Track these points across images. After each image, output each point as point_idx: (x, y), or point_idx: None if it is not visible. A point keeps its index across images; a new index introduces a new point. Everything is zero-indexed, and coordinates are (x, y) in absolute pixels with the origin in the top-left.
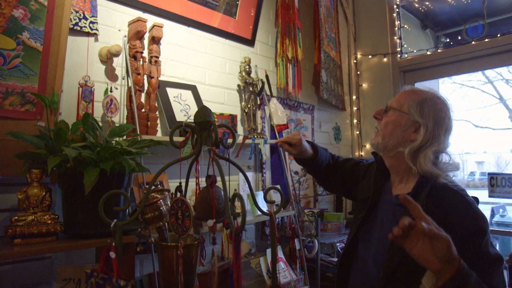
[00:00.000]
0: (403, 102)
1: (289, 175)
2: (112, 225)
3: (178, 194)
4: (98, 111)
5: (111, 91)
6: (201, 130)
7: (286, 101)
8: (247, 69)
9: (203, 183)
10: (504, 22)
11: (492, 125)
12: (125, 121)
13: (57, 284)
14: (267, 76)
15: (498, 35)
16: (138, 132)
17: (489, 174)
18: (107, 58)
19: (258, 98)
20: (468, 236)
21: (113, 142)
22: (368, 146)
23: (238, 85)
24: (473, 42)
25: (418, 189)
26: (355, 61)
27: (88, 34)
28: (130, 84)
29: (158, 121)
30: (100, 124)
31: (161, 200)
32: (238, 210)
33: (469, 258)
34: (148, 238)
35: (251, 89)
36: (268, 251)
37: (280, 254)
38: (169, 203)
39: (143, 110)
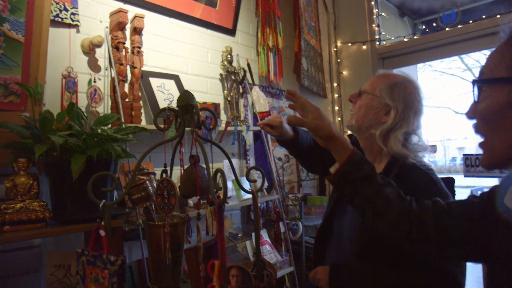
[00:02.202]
0: (375, 86)
1: (272, 161)
2: (101, 205)
3: (164, 175)
4: (82, 102)
5: (94, 82)
6: (184, 114)
7: (268, 89)
8: (229, 58)
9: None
10: (476, 9)
11: None
12: (109, 111)
13: (46, 270)
14: (248, 65)
15: (470, 22)
16: (123, 121)
17: (464, 155)
18: (90, 49)
19: (240, 86)
20: (423, 188)
21: (99, 130)
22: (349, 132)
23: (221, 74)
24: (447, 29)
25: (388, 169)
26: (335, 49)
27: (69, 26)
28: (113, 75)
29: (142, 110)
30: (85, 114)
31: (147, 182)
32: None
33: None
34: (136, 221)
35: (233, 77)
36: (254, 235)
37: (266, 237)
38: (155, 185)
39: (127, 100)
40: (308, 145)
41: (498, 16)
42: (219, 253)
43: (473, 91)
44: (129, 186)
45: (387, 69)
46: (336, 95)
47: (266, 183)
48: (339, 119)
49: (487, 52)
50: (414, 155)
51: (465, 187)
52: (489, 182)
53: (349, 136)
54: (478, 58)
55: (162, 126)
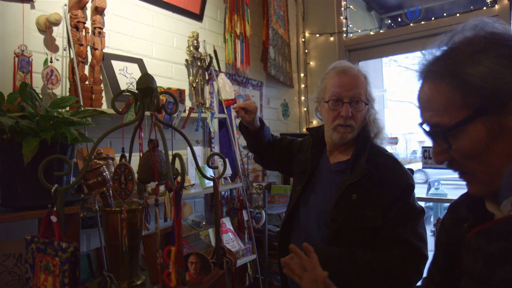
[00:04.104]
0: (362, 93)
1: (237, 150)
2: (52, 190)
3: (122, 160)
4: (37, 83)
5: (51, 62)
6: (143, 97)
7: (235, 77)
8: (195, 44)
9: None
10: (439, 7)
11: None
12: (67, 94)
13: None
14: (215, 51)
15: (433, 19)
16: (82, 104)
17: (422, 147)
18: (46, 27)
19: (206, 73)
20: (401, 192)
21: (55, 113)
22: (315, 122)
23: (186, 60)
24: (411, 24)
25: (357, 155)
26: (303, 39)
27: (22, 0)
28: (72, 56)
29: (103, 94)
30: (40, 96)
31: (103, 166)
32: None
33: (401, 210)
34: (93, 208)
35: (199, 64)
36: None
37: (229, 225)
38: (113, 170)
39: (86, 82)
40: (268, 140)
41: (458, 14)
42: (176, 239)
43: (433, 139)
44: (84, 171)
45: (342, 63)
46: (302, 85)
47: (230, 171)
48: (305, 109)
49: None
50: (382, 132)
51: (422, 182)
52: (446, 172)
53: (309, 130)
54: None
55: (120, 109)
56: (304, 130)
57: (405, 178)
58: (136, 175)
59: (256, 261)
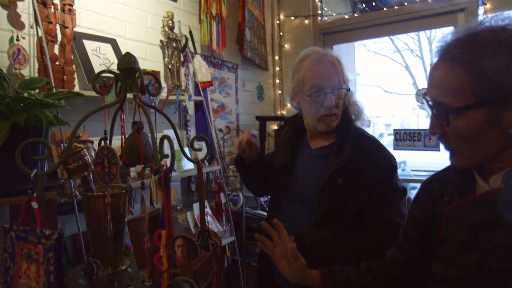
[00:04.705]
0: (341, 79)
1: (214, 132)
2: (32, 175)
3: (103, 143)
4: (3, 62)
5: (17, 40)
6: (125, 78)
7: (210, 59)
8: (170, 24)
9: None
10: None
11: (399, 91)
12: (36, 75)
13: None
14: (190, 32)
15: (405, 4)
16: (53, 85)
17: (394, 130)
18: (10, 2)
19: (181, 54)
20: (385, 173)
21: (25, 94)
22: (289, 105)
23: (161, 41)
24: (385, 9)
25: (342, 140)
26: (278, 22)
27: None
28: (40, 34)
29: (76, 76)
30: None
31: (84, 150)
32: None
33: (385, 192)
34: (71, 194)
35: (174, 45)
36: (195, 205)
37: (207, 208)
38: (93, 154)
39: (57, 63)
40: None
41: (430, 0)
42: (166, 222)
43: (433, 111)
44: (65, 154)
45: (317, 51)
46: (277, 68)
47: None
48: (279, 92)
49: (414, 36)
50: (362, 114)
51: None
52: (415, 154)
53: (287, 122)
54: (407, 41)
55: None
56: (279, 112)
57: (388, 160)
58: (119, 157)
59: (234, 243)
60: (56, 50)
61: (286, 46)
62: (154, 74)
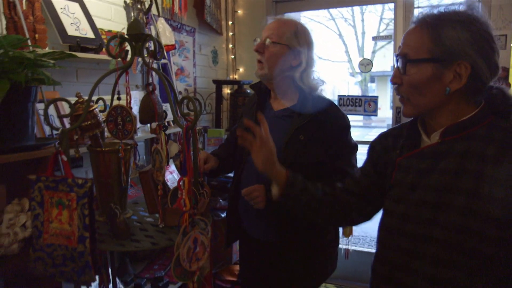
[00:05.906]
0: (281, 35)
1: (177, 94)
2: (59, 132)
3: (115, 103)
4: None
5: None
6: (135, 42)
7: (170, 22)
8: None
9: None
10: None
11: (332, 58)
12: (5, 32)
13: None
14: None
15: None
16: (30, 44)
17: (338, 96)
18: None
19: (145, 17)
20: (340, 131)
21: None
22: (241, 69)
23: (125, 1)
24: None
25: (303, 102)
26: None
27: None
28: None
29: (48, 35)
30: None
31: (97, 109)
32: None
33: (340, 147)
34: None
35: (139, 6)
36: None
37: (173, 167)
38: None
39: (28, 20)
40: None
41: None
42: (188, 170)
43: (398, 64)
44: (85, 112)
45: (278, 16)
46: (230, 33)
47: (171, 116)
48: (232, 57)
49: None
50: (319, 87)
51: None
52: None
53: (253, 87)
54: (341, 10)
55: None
56: (231, 76)
57: (342, 120)
58: (133, 114)
59: None
60: (24, 6)
61: (239, 11)
62: (156, 39)
